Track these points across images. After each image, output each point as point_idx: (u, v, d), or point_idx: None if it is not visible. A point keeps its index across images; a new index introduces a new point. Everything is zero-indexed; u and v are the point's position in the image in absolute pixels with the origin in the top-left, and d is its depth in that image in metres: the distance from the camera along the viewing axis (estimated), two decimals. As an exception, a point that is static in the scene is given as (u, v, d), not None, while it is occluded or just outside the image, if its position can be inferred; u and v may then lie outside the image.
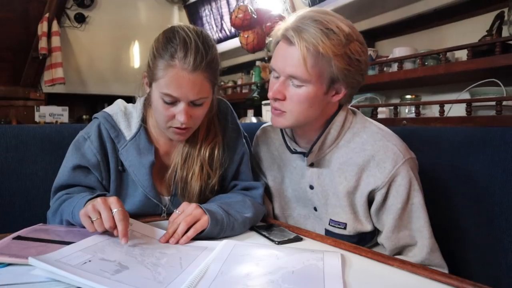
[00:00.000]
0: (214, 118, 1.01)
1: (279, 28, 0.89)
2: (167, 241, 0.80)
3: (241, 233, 0.89)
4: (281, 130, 1.01)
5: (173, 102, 0.87)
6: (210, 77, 0.88)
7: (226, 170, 1.03)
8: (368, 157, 0.91)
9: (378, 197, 0.90)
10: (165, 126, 0.92)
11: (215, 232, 0.83)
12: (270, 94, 0.91)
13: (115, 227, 0.74)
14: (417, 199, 0.89)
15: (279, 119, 0.93)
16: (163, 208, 1.00)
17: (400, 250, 0.93)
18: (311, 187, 0.99)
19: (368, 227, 0.93)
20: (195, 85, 0.85)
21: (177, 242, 0.80)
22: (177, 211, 0.85)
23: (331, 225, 0.95)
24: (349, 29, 0.85)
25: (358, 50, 0.86)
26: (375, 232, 0.95)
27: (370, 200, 0.93)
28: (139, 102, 1.02)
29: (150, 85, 0.92)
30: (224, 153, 1.01)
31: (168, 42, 0.87)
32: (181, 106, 0.87)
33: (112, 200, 0.77)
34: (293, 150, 0.98)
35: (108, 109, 1.01)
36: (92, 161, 0.94)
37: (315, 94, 0.88)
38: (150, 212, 0.99)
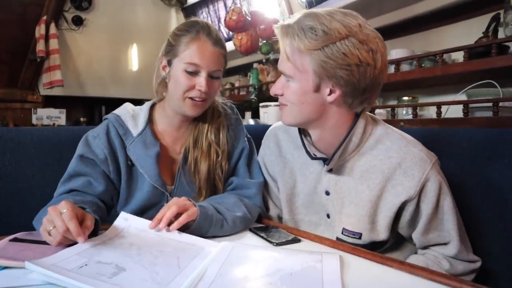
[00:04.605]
0: (216, 102, 1.11)
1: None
2: (156, 226, 0.82)
3: (232, 232, 0.90)
4: (300, 134, 0.97)
5: (196, 72, 0.98)
6: (224, 55, 1.02)
7: (227, 164, 1.09)
8: (394, 165, 0.88)
9: (410, 207, 0.89)
10: (183, 97, 0.99)
11: (205, 226, 0.86)
12: (270, 91, 0.94)
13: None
14: (447, 202, 0.89)
15: (283, 112, 0.93)
16: (168, 197, 1.04)
17: (431, 246, 0.93)
18: (327, 193, 0.96)
19: (383, 236, 0.91)
20: (215, 57, 0.99)
21: (168, 226, 0.82)
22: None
23: (344, 234, 0.93)
24: (340, 26, 0.82)
25: (349, 46, 0.81)
26: (388, 240, 0.93)
27: (399, 210, 0.90)
28: (146, 104, 1.10)
29: (169, 64, 1.01)
30: (228, 132, 1.10)
31: (193, 24, 1.01)
32: (202, 75, 0.98)
33: (62, 204, 0.73)
34: (313, 155, 0.94)
35: (117, 111, 1.08)
36: (100, 156, 0.99)
37: (303, 90, 0.87)
38: (156, 202, 1.02)
